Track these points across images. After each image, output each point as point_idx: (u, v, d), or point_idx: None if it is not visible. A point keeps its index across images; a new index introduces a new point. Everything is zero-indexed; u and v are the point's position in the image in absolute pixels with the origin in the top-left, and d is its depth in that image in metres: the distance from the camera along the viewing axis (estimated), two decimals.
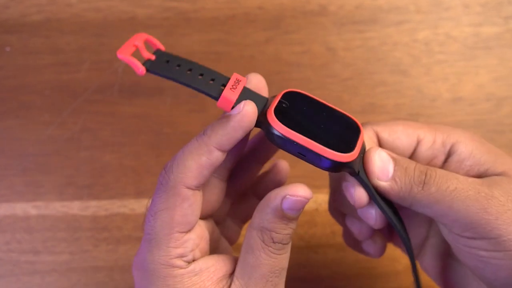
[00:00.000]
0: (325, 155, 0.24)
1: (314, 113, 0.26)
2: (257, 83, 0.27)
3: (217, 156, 0.25)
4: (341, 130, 0.26)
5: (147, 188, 0.44)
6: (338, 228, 0.43)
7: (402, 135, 0.28)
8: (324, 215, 0.43)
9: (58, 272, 0.42)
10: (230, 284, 0.26)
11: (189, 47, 0.46)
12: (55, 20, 0.46)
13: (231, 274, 0.27)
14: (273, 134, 0.25)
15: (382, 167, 0.26)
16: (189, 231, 0.26)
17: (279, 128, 0.24)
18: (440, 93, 0.45)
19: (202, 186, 0.26)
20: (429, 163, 0.28)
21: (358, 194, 0.27)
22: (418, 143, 0.28)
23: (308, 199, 0.25)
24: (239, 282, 0.26)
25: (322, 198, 0.43)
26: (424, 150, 0.28)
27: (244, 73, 0.45)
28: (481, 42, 0.46)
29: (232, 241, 0.33)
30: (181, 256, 0.26)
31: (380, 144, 0.29)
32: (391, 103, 0.45)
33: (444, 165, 0.28)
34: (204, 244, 0.28)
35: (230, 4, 0.47)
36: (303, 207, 0.25)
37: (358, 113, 0.45)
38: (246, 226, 0.34)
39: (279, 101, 0.26)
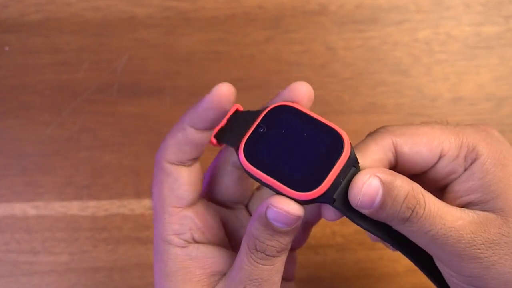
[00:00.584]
0: (287, 194, 0.24)
1: (292, 136, 0.25)
2: (301, 93, 0.27)
3: (192, 133, 0.26)
4: (316, 157, 0.24)
5: (147, 188, 0.44)
6: (338, 229, 0.43)
7: (425, 149, 0.25)
8: None
9: (57, 272, 0.42)
10: (217, 283, 0.27)
11: (189, 46, 0.46)
12: (54, 20, 0.46)
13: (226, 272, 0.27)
14: (243, 169, 0.25)
15: (369, 197, 0.23)
16: (184, 207, 0.27)
17: (245, 164, 0.25)
18: (440, 93, 0.45)
19: (189, 162, 0.27)
20: (446, 177, 0.26)
21: (329, 217, 0.26)
22: (440, 158, 0.26)
23: (292, 215, 0.24)
24: (222, 283, 0.26)
25: None
26: (445, 165, 0.26)
27: (244, 72, 0.46)
28: (482, 41, 0.46)
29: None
30: (177, 233, 0.26)
31: (398, 156, 0.26)
32: (391, 103, 0.45)
33: (458, 178, 0.26)
34: (209, 231, 0.28)
35: (230, 4, 0.47)
36: (290, 223, 0.24)
37: (358, 113, 0.45)
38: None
39: (257, 126, 0.25)
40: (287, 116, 0.25)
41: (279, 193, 0.24)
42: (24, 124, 0.45)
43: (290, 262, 0.32)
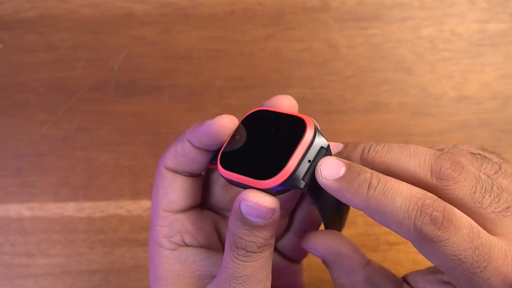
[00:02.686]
0: (256, 186, 0.24)
1: (262, 135, 0.26)
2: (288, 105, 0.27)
3: (188, 148, 0.27)
4: (281, 146, 0.24)
5: (144, 189, 0.43)
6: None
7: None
8: None
9: (53, 275, 0.42)
10: (207, 285, 0.27)
11: (187, 44, 0.46)
12: (50, 17, 0.46)
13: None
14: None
15: (332, 167, 0.24)
16: (177, 212, 0.28)
17: (220, 170, 0.26)
18: (445, 92, 0.45)
19: (186, 173, 0.28)
20: None
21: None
22: None
23: (263, 207, 0.24)
24: (211, 284, 0.27)
25: None
26: None
27: (243, 70, 0.46)
28: (487, 39, 0.45)
29: (290, 256, 0.32)
30: (167, 236, 0.27)
31: None
32: (394, 102, 0.45)
33: None
34: (201, 234, 0.28)
35: (229, 0, 0.46)
36: (263, 216, 0.24)
37: (360, 112, 0.44)
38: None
39: (233, 135, 0.27)
40: (258, 120, 0.26)
41: (249, 188, 0.25)
42: (18, 123, 0.44)
43: (293, 274, 0.32)
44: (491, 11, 0.46)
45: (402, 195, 0.22)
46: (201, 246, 0.28)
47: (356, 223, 0.42)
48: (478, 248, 0.22)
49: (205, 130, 0.26)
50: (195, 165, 0.28)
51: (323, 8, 0.46)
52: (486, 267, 0.22)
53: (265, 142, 0.25)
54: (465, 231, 0.22)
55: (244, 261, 0.25)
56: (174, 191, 0.28)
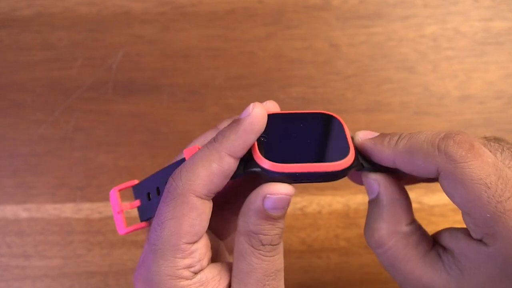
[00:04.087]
0: (329, 170, 0.25)
1: (293, 131, 0.27)
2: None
3: (229, 163, 0.25)
4: (327, 136, 0.26)
5: None
6: (342, 232, 0.42)
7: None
8: (327, 218, 0.42)
9: (50, 277, 0.42)
10: None
11: (186, 43, 0.45)
12: (47, 15, 0.46)
13: None
14: (272, 176, 0.25)
15: (368, 133, 0.27)
16: (196, 241, 0.25)
17: (274, 167, 0.25)
18: (448, 91, 0.44)
19: (213, 195, 0.25)
20: None
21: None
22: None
23: (290, 196, 0.25)
24: None
25: (325, 201, 0.42)
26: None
27: (244, 69, 0.45)
28: (491, 37, 0.45)
29: None
30: (188, 267, 0.25)
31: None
32: (397, 101, 0.44)
33: None
34: (209, 253, 0.27)
35: None
36: (287, 205, 0.25)
37: (362, 112, 0.44)
38: None
39: (258, 139, 0.26)
40: (274, 121, 0.26)
41: (318, 175, 0.25)
42: (15, 123, 0.44)
43: (222, 221, 0.32)
44: (495, 9, 0.45)
45: (426, 134, 0.25)
46: (210, 263, 0.27)
47: (357, 224, 0.42)
48: (502, 178, 0.23)
49: (249, 128, 0.24)
50: (227, 181, 0.25)
51: (324, 7, 0.46)
52: (510, 197, 0.23)
53: (303, 136, 0.26)
54: (489, 160, 0.23)
55: (273, 256, 0.25)
56: (202, 221, 0.25)
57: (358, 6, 0.46)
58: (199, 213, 0.25)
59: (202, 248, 0.26)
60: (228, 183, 0.27)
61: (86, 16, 0.46)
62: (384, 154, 0.26)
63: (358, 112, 0.44)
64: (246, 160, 0.25)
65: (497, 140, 0.26)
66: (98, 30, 0.46)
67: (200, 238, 0.25)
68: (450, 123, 0.44)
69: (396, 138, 0.26)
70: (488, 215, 0.23)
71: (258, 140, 0.25)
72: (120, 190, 0.28)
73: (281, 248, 0.26)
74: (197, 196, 0.25)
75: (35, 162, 0.44)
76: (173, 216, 0.25)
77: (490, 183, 0.23)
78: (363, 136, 0.27)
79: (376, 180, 0.27)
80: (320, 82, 0.45)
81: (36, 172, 0.43)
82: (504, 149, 0.25)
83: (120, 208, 0.27)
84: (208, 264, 0.27)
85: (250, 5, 0.46)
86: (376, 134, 0.27)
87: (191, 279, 0.25)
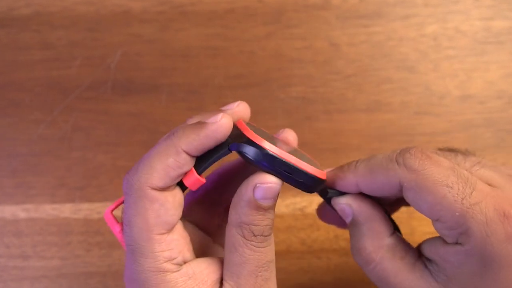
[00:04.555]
0: (311, 172, 0.26)
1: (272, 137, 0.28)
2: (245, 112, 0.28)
3: (185, 159, 0.25)
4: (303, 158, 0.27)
5: None
6: (342, 232, 0.42)
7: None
8: None
9: (49, 278, 0.42)
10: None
11: (185, 42, 0.45)
12: (45, 14, 0.46)
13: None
14: (265, 154, 0.25)
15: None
16: (169, 231, 0.26)
17: (270, 148, 0.25)
18: (448, 90, 0.44)
19: (172, 187, 0.26)
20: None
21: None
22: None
23: (278, 185, 0.26)
24: (229, 284, 0.26)
25: None
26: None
27: (243, 69, 0.45)
28: (492, 36, 0.45)
29: None
30: (169, 259, 0.26)
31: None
32: (397, 101, 0.44)
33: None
34: (191, 246, 0.27)
35: None
36: (276, 195, 0.26)
37: (362, 112, 0.44)
38: None
39: (248, 124, 0.27)
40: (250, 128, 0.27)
41: (301, 173, 0.26)
42: (13, 123, 0.44)
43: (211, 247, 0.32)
44: (496, 8, 0.45)
45: (383, 153, 0.26)
46: (198, 257, 0.27)
47: None
48: (461, 177, 0.24)
49: (211, 134, 0.25)
50: (183, 175, 0.26)
51: (324, 6, 0.45)
52: (472, 192, 0.24)
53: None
54: (446, 164, 0.25)
55: (264, 247, 0.26)
56: (167, 211, 0.25)
57: (358, 5, 0.45)
58: (161, 203, 0.25)
59: (179, 239, 0.26)
60: (218, 180, 0.29)
61: (85, 15, 0.46)
62: (347, 179, 0.27)
63: (358, 112, 0.44)
64: (234, 138, 0.26)
65: (450, 149, 0.28)
66: (96, 29, 0.45)
67: (172, 228, 0.26)
68: (451, 123, 0.44)
69: (354, 163, 0.27)
70: (457, 214, 0.24)
71: (249, 127, 0.26)
72: (112, 210, 0.28)
73: (272, 240, 0.27)
74: (153, 189, 0.25)
75: (33, 162, 0.43)
76: (137, 212, 0.25)
77: (452, 183, 0.24)
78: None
79: (347, 203, 0.28)
80: (320, 82, 0.45)
81: (35, 172, 0.43)
82: (458, 154, 0.27)
83: (120, 227, 0.27)
84: (193, 258, 0.27)
85: (249, 4, 0.46)
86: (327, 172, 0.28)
87: (176, 271, 0.26)
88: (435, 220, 0.25)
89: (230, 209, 0.26)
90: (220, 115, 0.25)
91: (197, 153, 0.25)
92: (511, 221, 0.23)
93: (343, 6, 0.46)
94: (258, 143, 0.25)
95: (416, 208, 0.25)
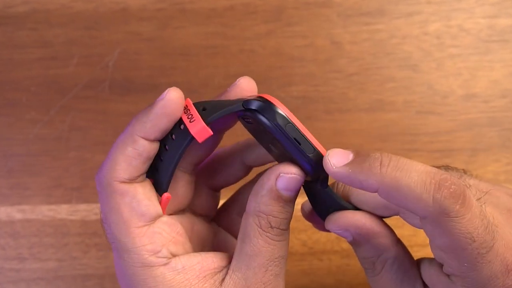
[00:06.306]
0: (320, 149, 0.25)
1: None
2: (248, 86, 0.28)
3: (144, 145, 0.25)
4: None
5: None
6: None
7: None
8: None
9: (45, 280, 0.42)
10: (224, 279, 0.26)
11: (184, 40, 0.45)
12: (42, 12, 0.45)
13: (224, 268, 0.26)
14: (277, 113, 0.25)
15: (341, 156, 0.24)
16: (149, 224, 0.25)
17: (283, 109, 0.25)
18: (452, 89, 0.44)
19: (140, 178, 0.26)
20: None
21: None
22: None
23: (301, 177, 0.25)
24: (235, 275, 0.26)
25: None
26: None
27: (243, 68, 0.44)
28: (496, 35, 0.45)
29: None
30: (153, 253, 0.25)
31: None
32: (400, 100, 0.44)
33: None
34: (183, 240, 0.27)
35: None
36: (298, 187, 0.25)
37: (364, 111, 0.44)
38: None
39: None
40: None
41: (306, 147, 0.25)
42: (10, 122, 0.44)
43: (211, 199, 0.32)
44: (500, 6, 0.45)
45: (418, 170, 0.23)
46: (188, 252, 0.27)
47: None
48: (487, 227, 0.23)
49: (160, 112, 0.24)
50: (148, 163, 0.26)
51: (325, 3, 0.45)
52: (492, 246, 0.23)
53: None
54: (477, 209, 0.23)
55: (280, 240, 0.25)
56: (140, 202, 0.25)
57: (360, 2, 0.45)
58: (132, 195, 0.25)
59: (162, 233, 0.26)
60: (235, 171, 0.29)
61: (83, 13, 0.45)
62: (366, 183, 0.23)
63: (361, 111, 0.44)
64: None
65: (446, 168, 0.27)
66: (95, 27, 0.45)
67: (151, 220, 0.25)
68: (454, 122, 0.43)
69: (377, 163, 0.23)
70: (466, 265, 0.23)
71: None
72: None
73: (287, 236, 0.26)
74: (121, 182, 0.25)
75: (30, 162, 0.43)
76: (110, 208, 0.25)
77: (477, 236, 0.22)
78: (336, 162, 0.24)
79: (345, 228, 0.26)
80: (321, 81, 0.44)
81: (31, 172, 0.43)
82: (465, 178, 0.26)
83: None
84: (184, 252, 0.26)
85: (249, 1, 0.45)
86: (350, 154, 0.24)
87: (163, 265, 0.25)
88: (442, 251, 0.24)
89: (250, 197, 0.26)
90: (167, 90, 0.25)
91: (155, 135, 0.25)
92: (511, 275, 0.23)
93: (345, 4, 0.45)
94: (274, 103, 0.25)
95: (428, 236, 0.24)
